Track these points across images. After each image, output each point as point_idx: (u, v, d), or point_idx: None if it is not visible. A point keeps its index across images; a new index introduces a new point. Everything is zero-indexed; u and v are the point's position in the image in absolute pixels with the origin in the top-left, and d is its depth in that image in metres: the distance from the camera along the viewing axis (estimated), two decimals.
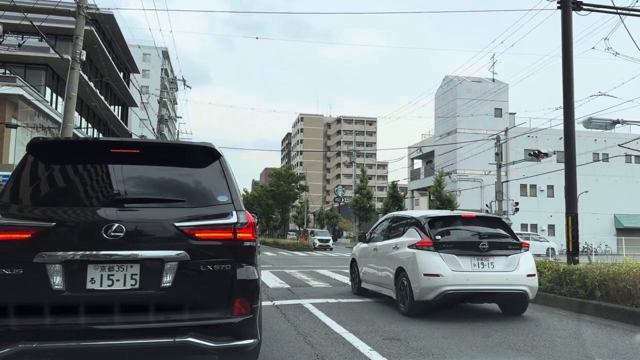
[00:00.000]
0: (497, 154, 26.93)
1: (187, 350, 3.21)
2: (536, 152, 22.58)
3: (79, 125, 32.27)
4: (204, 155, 3.65)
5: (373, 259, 8.28)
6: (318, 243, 37.04)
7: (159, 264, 3.21)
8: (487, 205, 28.47)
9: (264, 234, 77.49)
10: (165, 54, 74.45)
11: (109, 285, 3.16)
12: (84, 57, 13.80)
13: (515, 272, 6.71)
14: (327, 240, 38.22)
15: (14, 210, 3.23)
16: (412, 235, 7.14)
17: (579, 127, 41.67)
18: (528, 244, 7.29)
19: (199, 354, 3.24)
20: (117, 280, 3.17)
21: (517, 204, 26.91)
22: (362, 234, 9.68)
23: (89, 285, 3.13)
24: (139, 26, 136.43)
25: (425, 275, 6.51)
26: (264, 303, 6.89)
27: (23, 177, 3.43)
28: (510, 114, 42.15)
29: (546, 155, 22.26)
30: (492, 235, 7.01)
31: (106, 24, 33.46)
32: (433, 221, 7.19)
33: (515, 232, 7.55)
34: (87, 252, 3.15)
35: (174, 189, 3.54)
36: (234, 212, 3.42)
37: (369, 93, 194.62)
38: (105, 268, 3.17)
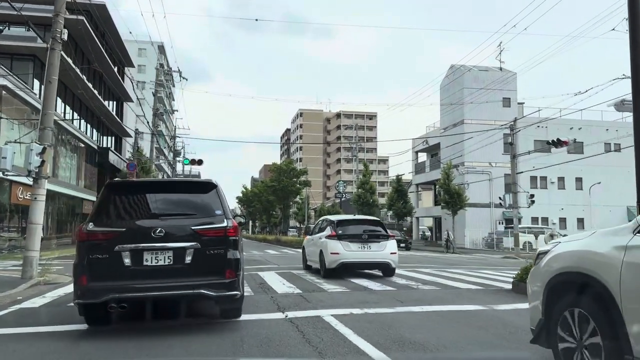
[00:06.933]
0: (511, 143, 25.55)
1: (200, 297, 5.28)
2: (555, 140, 21.18)
3: (71, 119, 30.82)
4: (207, 186, 5.80)
5: (312, 246, 12.74)
6: None
7: (183, 250, 5.21)
8: (500, 198, 27.09)
9: (264, 231, 76.10)
10: (162, 49, 72.78)
11: (155, 262, 5.17)
12: (65, 37, 12.39)
13: (383, 251, 11.31)
14: None
15: (101, 222, 5.28)
16: (328, 231, 11.73)
17: (592, 116, 39.52)
18: (394, 235, 12.61)
19: (207, 299, 5.36)
20: (160, 259, 5.18)
21: (532, 196, 25.56)
22: (308, 229, 14.48)
23: (145, 263, 5.15)
24: (134, 21, 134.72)
25: (331, 253, 11.08)
26: (273, 315, 6.33)
27: (104, 202, 5.51)
28: (519, 103, 40.67)
29: (566, 143, 20.88)
30: (371, 230, 11.68)
31: (97, 13, 32.00)
32: (340, 222, 11.92)
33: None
34: (143, 245, 5.15)
35: (190, 207, 5.64)
36: (225, 220, 5.46)
37: (369, 88, 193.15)
38: (153, 253, 5.18)
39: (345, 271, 11.21)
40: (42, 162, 11.30)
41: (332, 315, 6.18)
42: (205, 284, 5.13)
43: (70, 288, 9.47)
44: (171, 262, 5.14)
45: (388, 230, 12.25)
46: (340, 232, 11.29)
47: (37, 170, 11.28)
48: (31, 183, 11.65)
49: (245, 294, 7.78)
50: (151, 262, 5.12)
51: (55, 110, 28.19)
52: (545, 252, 3.72)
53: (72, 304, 6.89)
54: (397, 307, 6.90)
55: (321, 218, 13.70)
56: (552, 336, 3.46)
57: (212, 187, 5.74)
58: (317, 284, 9.98)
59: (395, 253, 11.47)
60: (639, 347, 2.71)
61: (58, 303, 7.91)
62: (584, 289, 3.16)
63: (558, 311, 3.39)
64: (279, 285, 9.73)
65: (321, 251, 11.51)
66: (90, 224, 5.24)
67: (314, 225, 13.78)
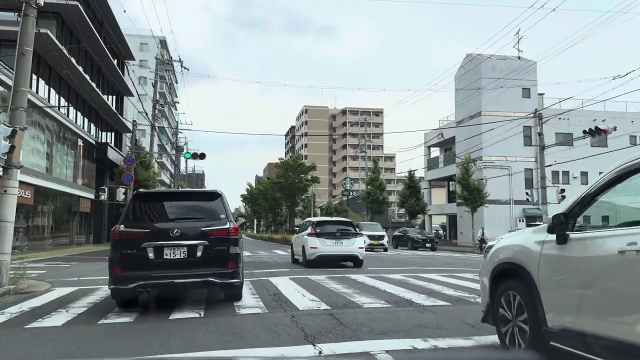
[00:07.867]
0: (539, 133, 23.57)
1: (208, 284, 6.69)
2: (593, 129, 19.16)
3: (66, 112, 29.00)
4: (213, 195, 7.42)
5: (298, 243, 15.19)
6: None
7: (195, 247, 6.63)
8: (527, 194, 25.13)
9: (269, 230, 74.22)
10: (163, 43, 71.00)
11: (173, 256, 6.58)
12: (41, 2, 10.52)
13: (353, 246, 14.01)
14: None
15: (130, 224, 6.72)
16: (309, 230, 14.42)
17: (615, 107, 37.15)
18: (362, 234, 15.76)
19: (213, 286, 6.77)
20: (177, 254, 6.59)
21: (563, 190, 23.56)
22: (294, 229, 17.51)
23: (165, 256, 6.56)
24: (135, 20, 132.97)
25: (311, 248, 13.86)
26: (301, 349, 4.54)
27: (131, 208, 7.03)
28: (539, 94, 38.51)
29: (606, 131, 18.89)
30: (344, 229, 14.36)
31: (95, 2, 30.14)
32: (318, 223, 14.66)
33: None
34: (163, 242, 6.55)
35: (200, 212, 7.16)
36: (228, 222, 6.95)
37: (374, 85, 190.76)
38: (172, 248, 6.58)
39: (322, 263, 13.59)
40: (12, 147, 9.45)
41: (387, 351, 4.24)
42: (212, 273, 6.61)
43: (42, 300, 8.17)
44: (185, 256, 6.60)
45: (357, 229, 15.59)
46: (318, 230, 14.09)
47: (5, 158, 9.44)
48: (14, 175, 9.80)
49: (258, 310, 6.27)
50: (170, 256, 6.58)
51: (49, 101, 26.34)
52: (492, 247, 4.49)
53: (28, 326, 6.11)
54: (472, 335, 4.93)
55: (307, 219, 16.67)
56: (495, 315, 4.20)
57: (217, 196, 7.37)
58: (345, 295, 8.05)
59: (362, 248, 14.24)
60: (552, 321, 3.52)
61: (15, 323, 6.05)
62: (516, 276, 3.95)
63: (499, 294, 4.14)
64: (298, 297, 7.83)
65: (303, 246, 14.29)
66: (122, 225, 6.68)
67: (300, 226, 16.58)
